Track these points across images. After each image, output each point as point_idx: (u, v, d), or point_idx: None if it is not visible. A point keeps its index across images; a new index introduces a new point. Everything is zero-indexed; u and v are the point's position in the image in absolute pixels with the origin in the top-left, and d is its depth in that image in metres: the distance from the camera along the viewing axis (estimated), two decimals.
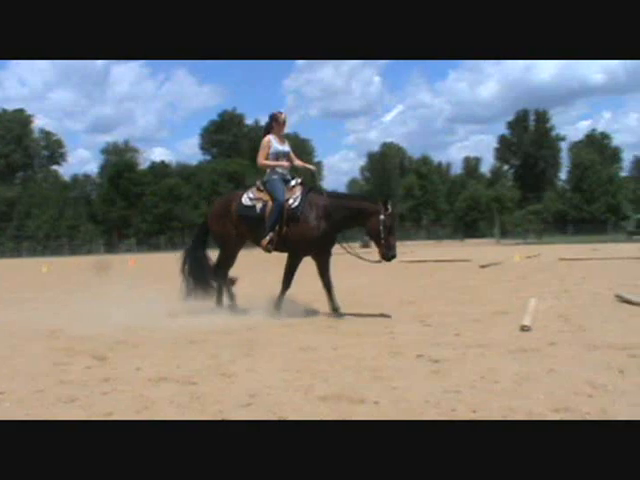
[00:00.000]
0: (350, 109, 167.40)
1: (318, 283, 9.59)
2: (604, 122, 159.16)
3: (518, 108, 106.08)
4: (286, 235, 9.32)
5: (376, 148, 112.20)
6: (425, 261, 25.05)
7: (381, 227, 9.13)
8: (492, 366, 5.66)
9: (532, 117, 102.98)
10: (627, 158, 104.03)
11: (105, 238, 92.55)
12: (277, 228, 9.29)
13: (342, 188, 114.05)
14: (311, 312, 9.36)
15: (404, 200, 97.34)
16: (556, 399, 4.50)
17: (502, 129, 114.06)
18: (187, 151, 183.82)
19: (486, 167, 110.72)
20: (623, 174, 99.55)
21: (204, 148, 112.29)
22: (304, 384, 5.19)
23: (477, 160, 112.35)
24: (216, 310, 9.56)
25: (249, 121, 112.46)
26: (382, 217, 9.14)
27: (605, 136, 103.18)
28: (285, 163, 9.67)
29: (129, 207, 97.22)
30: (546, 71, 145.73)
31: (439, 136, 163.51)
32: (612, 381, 5.00)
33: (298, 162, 9.94)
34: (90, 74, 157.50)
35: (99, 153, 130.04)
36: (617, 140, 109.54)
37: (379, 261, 9.44)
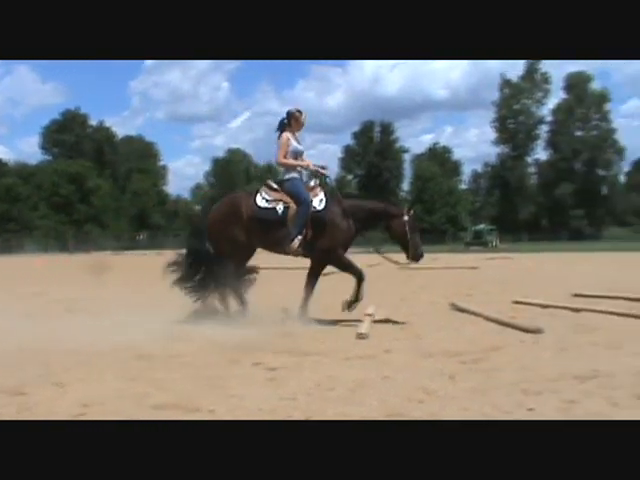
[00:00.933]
0: (197, 114, 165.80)
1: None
2: (446, 136, 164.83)
3: (364, 119, 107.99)
4: (312, 238, 9.02)
5: (222, 154, 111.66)
6: (266, 268, 24.90)
7: (407, 228, 9.35)
8: (328, 373, 5.71)
9: (377, 128, 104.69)
10: (466, 172, 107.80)
11: None
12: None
13: (186, 194, 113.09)
14: (152, 318, 9.12)
15: None
16: (389, 405, 4.59)
17: (348, 139, 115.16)
18: (27, 150, 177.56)
19: (332, 176, 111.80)
20: (462, 187, 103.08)
21: (45, 147, 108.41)
22: (139, 393, 5.08)
23: None
24: (53, 315, 9.16)
25: (93, 121, 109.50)
26: (406, 218, 9.37)
27: (447, 150, 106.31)
28: (305, 163, 9.41)
29: None
30: (393, 84, 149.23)
31: None
32: (443, 387, 5.16)
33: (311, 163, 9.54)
34: None
35: None
36: (457, 154, 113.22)
37: (408, 263, 9.75)
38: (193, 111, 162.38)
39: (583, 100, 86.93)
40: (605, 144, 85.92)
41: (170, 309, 9.01)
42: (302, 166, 9.38)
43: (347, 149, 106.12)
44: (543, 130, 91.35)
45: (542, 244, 62.25)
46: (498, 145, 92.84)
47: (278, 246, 9.10)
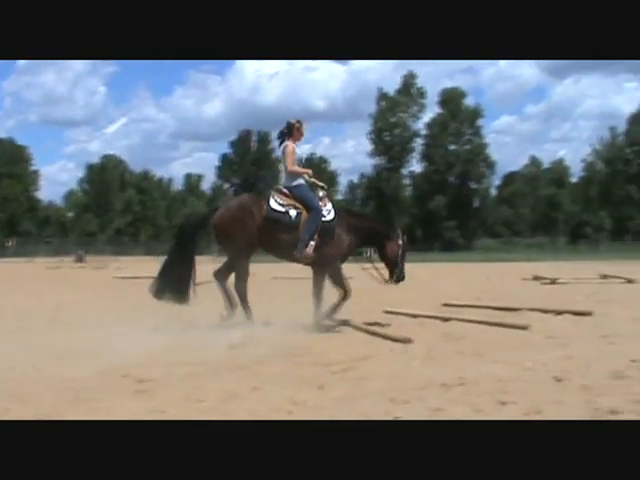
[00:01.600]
0: (72, 118, 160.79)
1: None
2: (323, 147, 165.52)
3: (242, 128, 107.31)
4: (319, 247, 9.26)
5: (97, 160, 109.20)
6: (140, 277, 24.35)
7: (400, 252, 9.89)
8: (198, 384, 5.66)
9: (255, 138, 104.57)
10: (343, 182, 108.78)
11: None
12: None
13: (59, 200, 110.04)
14: (18, 328, 8.83)
15: (122, 215, 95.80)
16: (257, 416, 4.58)
17: (225, 148, 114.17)
18: None
19: (207, 185, 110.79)
20: (339, 197, 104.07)
21: None
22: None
23: (199, 177, 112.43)
24: None
25: None
26: (401, 242, 9.95)
27: (323, 160, 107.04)
28: (310, 171, 9.84)
29: None
30: (271, 94, 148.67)
31: (162, 151, 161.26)
32: (312, 397, 5.19)
33: None
34: None
35: None
36: (334, 164, 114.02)
37: (387, 282, 10.14)
38: (68, 115, 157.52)
39: (457, 115, 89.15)
40: (477, 158, 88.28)
41: (38, 319, 8.77)
42: (306, 174, 9.72)
43: (224, 158, 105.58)
44: (418, 143, 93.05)
45: (416, 254, 63.29)
46: (374, 157, 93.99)
47: (288, 251, 9.32)
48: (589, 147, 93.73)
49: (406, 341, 7.94)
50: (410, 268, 10.77)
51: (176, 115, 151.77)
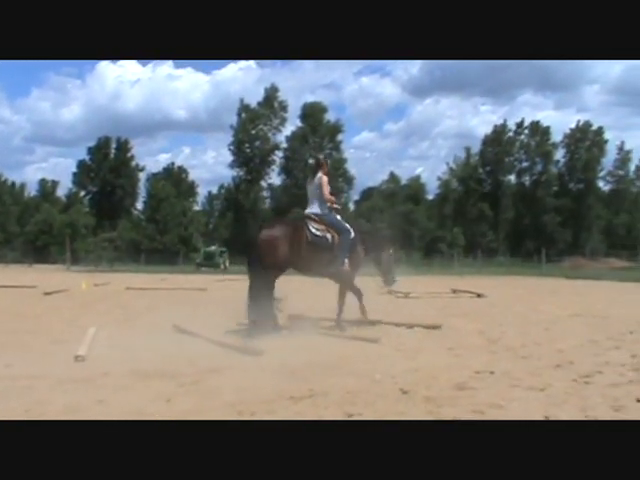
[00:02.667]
0: None
1: None
2: (183, 157, 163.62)
3: (101, 134, 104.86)
4: None
5: None
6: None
7: (392, 260, 11.76)
8: (40, 398, 5.50)
9: (114, 145, 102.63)
10: (202, 193, 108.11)
11: None
12: None
13: None
14: None
15: None
16: None
17: (83, 154, 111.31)
18: None
19: (63, 191, 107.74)
20: (197, 208, 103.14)
21: None
22: None
23: (54, 183, 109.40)
24: None
25: None
26: (391, 252, 11.76)
27: (183, 170, 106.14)
28: (334, 199, 11.12)
29: None
30: (132, 101, 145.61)
31: (16, 155, 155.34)
32: (159, 410, 5.12)
33: None
34: None
35: None
36: (194, 175, 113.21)
37: (383, 286, 12.22)
38: None
39: (317, 130, 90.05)
40: (336, 173, 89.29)
41: None
42: (334, 202, 11.03)
43: (81, 164, 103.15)
44: (278, 156, 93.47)
45: None
46: (234, 168, 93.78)
47: (324, 268, 10.47)
48: (445, 165, 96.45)
49: (257, 353, 7.91)
50: None
51: (32, 118, 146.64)
